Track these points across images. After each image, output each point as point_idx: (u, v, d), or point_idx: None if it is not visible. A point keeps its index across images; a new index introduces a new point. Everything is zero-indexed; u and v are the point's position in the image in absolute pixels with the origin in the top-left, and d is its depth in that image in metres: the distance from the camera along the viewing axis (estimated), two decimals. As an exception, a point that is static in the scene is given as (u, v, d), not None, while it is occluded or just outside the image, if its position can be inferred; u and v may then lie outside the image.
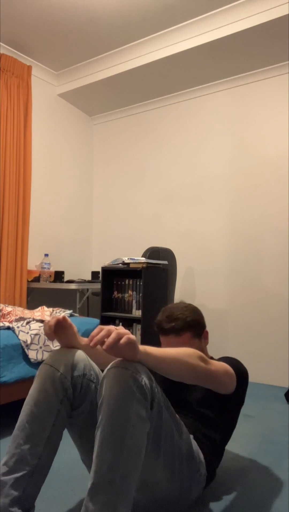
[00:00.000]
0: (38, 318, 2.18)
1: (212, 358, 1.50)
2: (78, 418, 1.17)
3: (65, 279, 3.66)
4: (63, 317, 1.17)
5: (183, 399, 1.41)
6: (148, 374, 1.04)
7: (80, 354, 1.19)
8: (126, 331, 0.96)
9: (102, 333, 0.95)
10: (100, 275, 3.47)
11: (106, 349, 0.94)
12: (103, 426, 0.96)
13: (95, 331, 0.97)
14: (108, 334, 0.95)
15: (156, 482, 1.11)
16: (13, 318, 2.19)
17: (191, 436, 1.24)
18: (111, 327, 0.98)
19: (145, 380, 1.01)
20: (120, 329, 0.97)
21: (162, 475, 1.10)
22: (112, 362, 1.04)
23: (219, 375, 1.18)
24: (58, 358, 1.15)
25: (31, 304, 3.37)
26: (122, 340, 0.94)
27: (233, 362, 1.36)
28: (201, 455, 1.25)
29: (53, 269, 3.55)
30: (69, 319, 1.19)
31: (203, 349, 1.46)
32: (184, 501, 1.20)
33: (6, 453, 1.07)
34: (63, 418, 1.12)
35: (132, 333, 2.35)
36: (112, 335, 0.94)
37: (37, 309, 2.42)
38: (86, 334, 2.35)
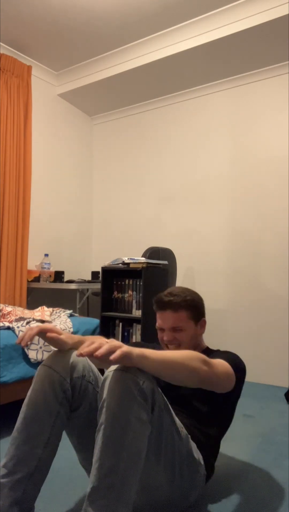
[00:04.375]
0: (38, 318, 2.18)
1: (207, 348, 1.46)
2: (77, 420, 1.16)
3: (65, 279, 3.65)
4: (43, 330, 1.12)
5: (179, 394, 1.36)
6: (149, 376, 1.03)
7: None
8: (119, 343, 0.92)
9: (93, 345, 0.91)
10: (100, 275, 3.46)
11: (98, 359, 0.90)
12: (104, 429, 0.95)
13: (86, 343, 0.93)
14: (99, 347, 0.90)
15: (157, 485, 1.10)
16: (13, 318, 2.19)
17: (189, 436, 1.22)
18: (103, 340, 0.94)
19: (146, 383, 1.00)
20: (112, 341, 0.94)
21: (163, 478, 1.10)
22: (113, 365, 1.02)
23: (221, 379, 1.15)
24: (57, 359, 1.14)
25: (31, 304, 3.36)
26: (115, 355, 0.89)
27: (232, 359, 1.28)
28: (200, 456, 1.25)
29: (53, 269, 3.55)
30: (54, 330, 1.15)
31: (198, 336, 1.43)
32: (183, 503, 1.19)
33: (5, 455, 1.07)
34: (62, 419, 1.11)
35: (132, 333, 2.34)
36: (104, 347, 0.89)
37: (37, 309, 2.42)
38: (86, 334, 2.35)
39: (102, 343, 0.91)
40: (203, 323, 1.44)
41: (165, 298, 1.38)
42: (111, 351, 0.89)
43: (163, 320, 1.38)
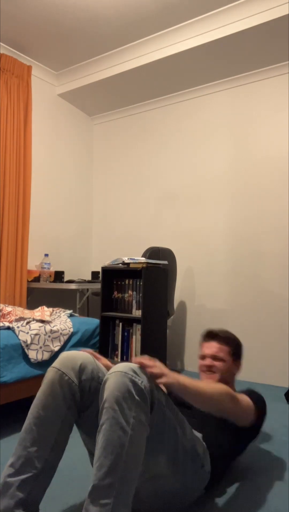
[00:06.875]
0: (38, 318, 2.18)
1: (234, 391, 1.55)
2: (87, 420, 1.18)
3: (65, 279, 3.66)
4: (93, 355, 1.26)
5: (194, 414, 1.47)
6: (148, 376, 1.05)
7: (88, 358, 1.20)
8: (166, 370, 1.09)
9: (150, 363, 1.07)
10: (100, 275, 3.47)
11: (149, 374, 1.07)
12: (104, 430, 0.97)
13: (149, 363, 1.08)
14: (153, 366, 1.08)
15: (160, 476, 1.12)
16: (13, 318, 2.19)
17: (200, 435, 1.27)
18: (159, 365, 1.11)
19: (144, 383, 1.02)
20: (161, 366, 1.10)
21: (166, 469, 1.12)
22: (113, 367, 1.06)
23: (243, 416, 1.34)
24: (66, 362, 1.17)
25: (31, 304, 3.36)
26: (161, 380, 1.06)
27: (257, 400, 1.45)
28: (207, 452, 1.27)
29: (53, 269, 3.55)
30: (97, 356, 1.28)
31: (232, 374, 1.60)
32: (187, 497, 1.21)
33: (12, 454, 1.09)
34: (70, 422, 1.14)
35: (132, 333, 2.35)
36: (156, 370, 1.07)
37: (37, 309, 2.42)
38: (86, 334, 2.35)
39: (156, 365, 1.09)
40: (239, 364, 1.63)
41: (213, 331, 1.63)
42: (158, 376, 1.06)
43: (207, 348, 1.59)
